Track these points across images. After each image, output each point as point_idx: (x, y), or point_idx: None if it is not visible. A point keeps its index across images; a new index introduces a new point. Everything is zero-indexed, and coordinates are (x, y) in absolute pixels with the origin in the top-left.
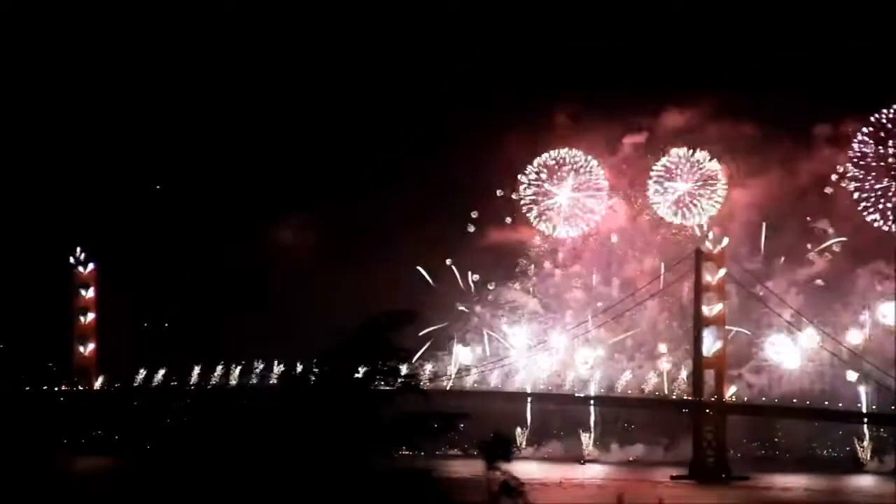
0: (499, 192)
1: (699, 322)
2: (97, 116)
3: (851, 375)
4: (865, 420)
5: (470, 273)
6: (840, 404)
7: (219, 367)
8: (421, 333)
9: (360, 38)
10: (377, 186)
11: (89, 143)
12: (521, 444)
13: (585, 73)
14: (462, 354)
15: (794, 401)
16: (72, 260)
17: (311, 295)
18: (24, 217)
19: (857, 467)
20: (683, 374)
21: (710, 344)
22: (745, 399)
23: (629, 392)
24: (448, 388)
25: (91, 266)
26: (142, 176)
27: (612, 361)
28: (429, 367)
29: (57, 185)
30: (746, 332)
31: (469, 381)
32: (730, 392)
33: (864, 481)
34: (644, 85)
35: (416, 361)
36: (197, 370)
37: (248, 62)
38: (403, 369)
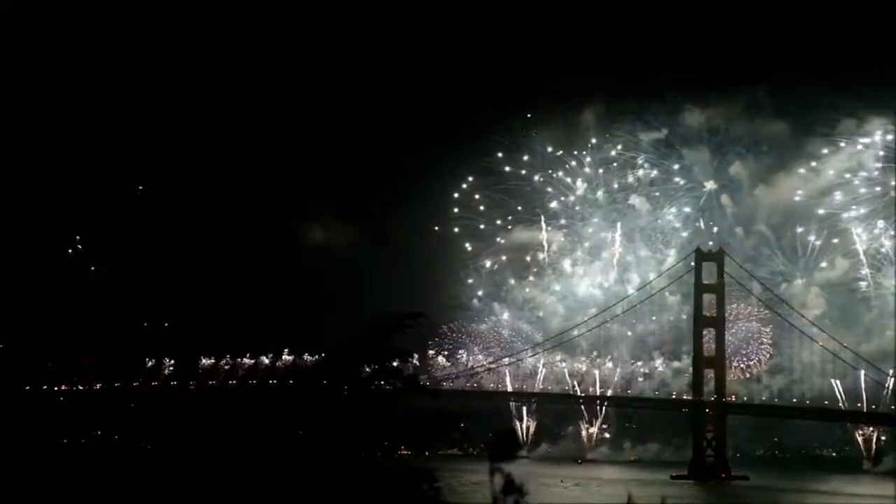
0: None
1: (699, 322)
2: (99, 117)
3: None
4: (865, 420)
5: (486, 269)
6: (840, 404)
7: (222, 366)
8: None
9: (364, 38)
10: (389, 185)
11: (93, 144)
12: (523, 443)
13: (604, 73)
14: (473, 353)
15: (794, 401)
16: (72, 260)
17: (324, 293)
18: (26, 216)
19: (858, 467)
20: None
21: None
22: (753, 400)
23: (628, 392)
24: (460, 387)
25: (92, 266)
26: (145, 176)
27: (630, 361)
28: (438, 366)
29: (59, 184)
30: (765, 332)
31: (480, 381)
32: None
33: (863, 481)
34: (665, 84)
35: (424, 361)
36: (198, 369)
37: (248, 62)
38: (407, 370)
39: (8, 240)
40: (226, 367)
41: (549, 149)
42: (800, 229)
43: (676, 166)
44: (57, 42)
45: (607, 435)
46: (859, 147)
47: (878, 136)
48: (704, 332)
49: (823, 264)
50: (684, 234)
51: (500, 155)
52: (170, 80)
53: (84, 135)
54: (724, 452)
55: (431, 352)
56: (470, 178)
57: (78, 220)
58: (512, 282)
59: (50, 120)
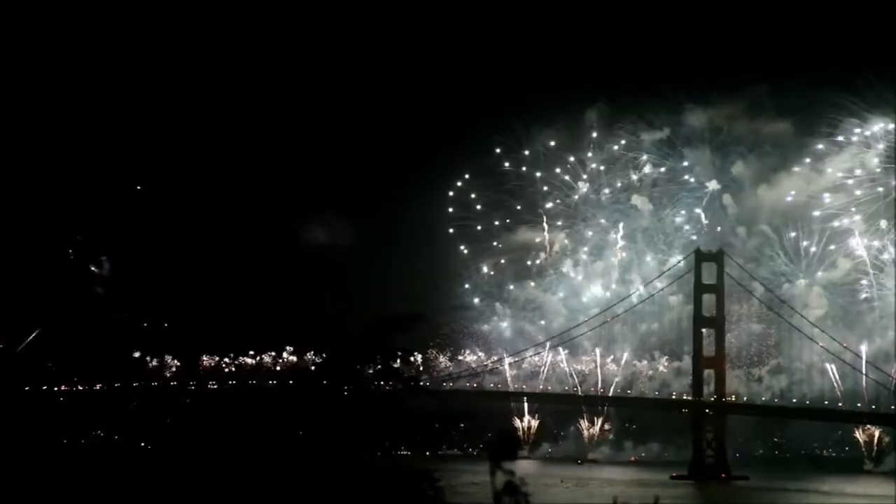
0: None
1: (699, 322)
2: (101, 116)
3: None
4: (865, 420)
5: (487, 269)
6: (839, 404)
7: (222, 366)
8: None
9: (365, 37)
10: (390, 185)
11: (95, 144)
12: (524, 444)
13: (608, 72)
14: (475, 354)
15: (794, 401)
16: (73, 260)
17: (325, 293)
18: (25, 213)
19: (859, 467)
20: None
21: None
22: (755, 400)
23: (628, 392)
24: (461, 387)
25: (92, 266)
26: (148, 175)
27: (632, 362)
28: (440, 366)
29: (61, 183)
30: (767, 333)
31: (481, 381)
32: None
33: (863, 481)
34: (667, 83)
35: (426, 361)
36: (199, 369)
37: (249, 62)
38: (409, 371)
39: (7, 237)
40: (226, 368)
41: (553, 143)
42: (802, 230)
43: (678, 166)
44: (57, 42)
45: (611, 436)
46: (861, 146)
47: (880, 136)
48: (705, 333)
49: (826, 265)
50: (687, 235)
51: (500, 155)
52: (173, 80)
53: (86, 134)
54: (724, 452)
55: (433, 352)
56: (471, 179)
57: (79, 219)
58: (513, 283)
59: (52, 120)
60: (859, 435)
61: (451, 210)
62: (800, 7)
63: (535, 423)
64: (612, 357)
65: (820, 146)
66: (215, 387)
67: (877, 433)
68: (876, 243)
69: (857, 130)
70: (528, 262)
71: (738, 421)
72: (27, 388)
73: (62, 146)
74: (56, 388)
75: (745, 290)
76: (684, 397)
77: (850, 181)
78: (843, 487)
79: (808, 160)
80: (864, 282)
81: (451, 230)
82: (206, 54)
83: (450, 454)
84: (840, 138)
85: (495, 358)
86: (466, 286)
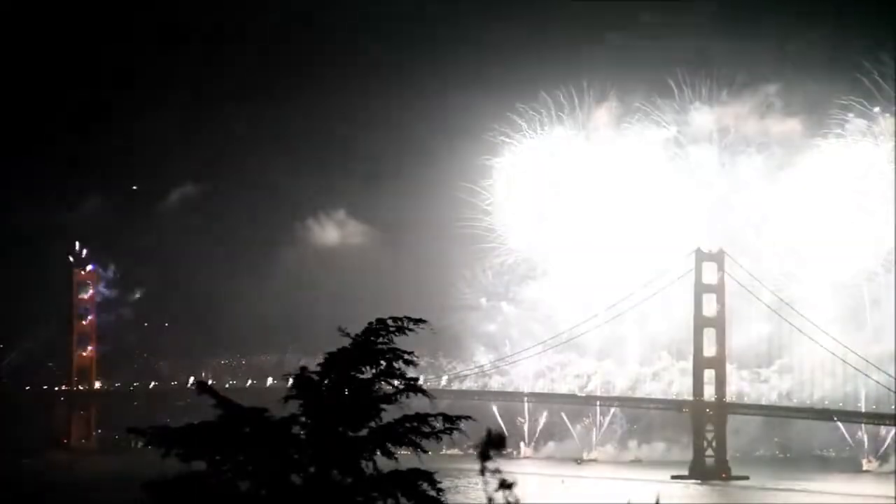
0: None
1: (699, 322)
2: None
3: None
4: (865, 420)
5: (494, 269)
6: (841, 404)
7: (223, 365)
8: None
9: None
10: (396, 185)
11: (93, 142)
12: (520, 443)
13: (616, 69)
14: (481, 354)
15: (794, 401)
16: (71, 260)
17: (330, 293)
18: (26, 217)
19: (860, 467)
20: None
21: None
22: (760, 400)
23: (629, 392)
24: (467, 388)
25: (90, 266)
26: (149, 175)
27: (637, 362)
28: (445, 367)
29: (58, 183)
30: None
31: (487, 381)
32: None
33: (864, 481)
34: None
35: (431, 361)
36: (200, 369)
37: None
38: (409, 371)
39: (8, 241)
40: (226, 367)
41: (559, 146)
42: (809, 229)
43: (686, 165)
44: None
45: (614, 434)
46: (870, 146)
47: (887, 134)
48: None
49: (834, 265)
50: (693, 234)
51: (506, 154)
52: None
53: (84, 134)
54: (724, 452)
55: (437, 352)
56: (477, 178)
57: (79, 219)
58: (520, 282)
59: (50, 119)
60: (861, 435)
61: (462, 211)
62: (807, 6)
63: (540, 423)
64: (617, 357)
65: (828, 145)
66: (214, 386)
67: (880, 433)
68: (884, 242)
69: (866, 128)
70: (536, 261)
71: (740, 421)
72: (27, 388)
73: (68, 152)
74: (56, 388)
75: (747, 290)
76: (686, 398)
77: (859, 180)
78: (845, 487)
79: (815, 159)
80: (872, 281)
81: (461, 230)
82: (208, 52)
83: (450, 454)
84: (852, 142)
85: (500, 358)
86: (477, 282)
